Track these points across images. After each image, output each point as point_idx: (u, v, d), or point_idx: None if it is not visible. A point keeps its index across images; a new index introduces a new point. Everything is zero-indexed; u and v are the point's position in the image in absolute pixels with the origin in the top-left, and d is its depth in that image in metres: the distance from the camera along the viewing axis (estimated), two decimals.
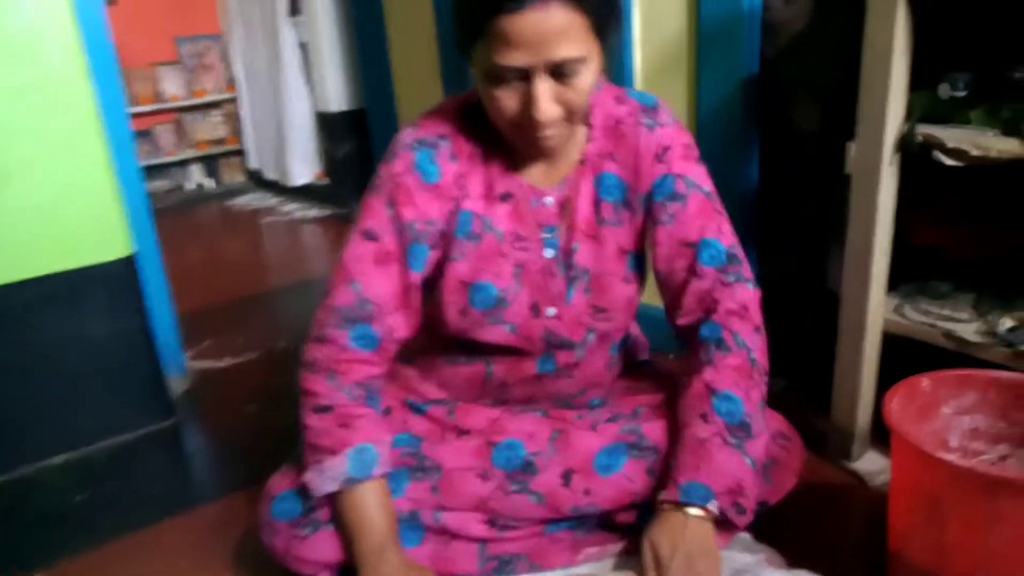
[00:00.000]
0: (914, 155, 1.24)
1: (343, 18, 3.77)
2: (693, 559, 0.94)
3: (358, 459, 1.03)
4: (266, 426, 1.78)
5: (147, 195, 1.92)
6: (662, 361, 1.43)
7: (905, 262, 1.41)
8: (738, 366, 1.06)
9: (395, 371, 1.24)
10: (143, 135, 4.81)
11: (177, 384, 2.00)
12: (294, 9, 3.99)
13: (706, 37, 1.65)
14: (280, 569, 1.11)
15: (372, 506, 1.03)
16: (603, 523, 1.17)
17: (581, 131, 1.11)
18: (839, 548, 1.21)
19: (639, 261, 1.19)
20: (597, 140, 1.11)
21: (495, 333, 1.14)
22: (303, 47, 4.01)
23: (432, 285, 1.15)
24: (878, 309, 1.35)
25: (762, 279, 1.84)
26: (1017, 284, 1.35)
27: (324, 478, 1.04)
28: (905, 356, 1.34)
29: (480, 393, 1.24)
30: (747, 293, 1.11)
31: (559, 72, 0.93)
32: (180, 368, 2.04)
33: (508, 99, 0.96)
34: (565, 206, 1.13)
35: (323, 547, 1.08)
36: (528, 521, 1.15)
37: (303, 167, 4.21)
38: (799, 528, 1.22)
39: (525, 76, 0.93)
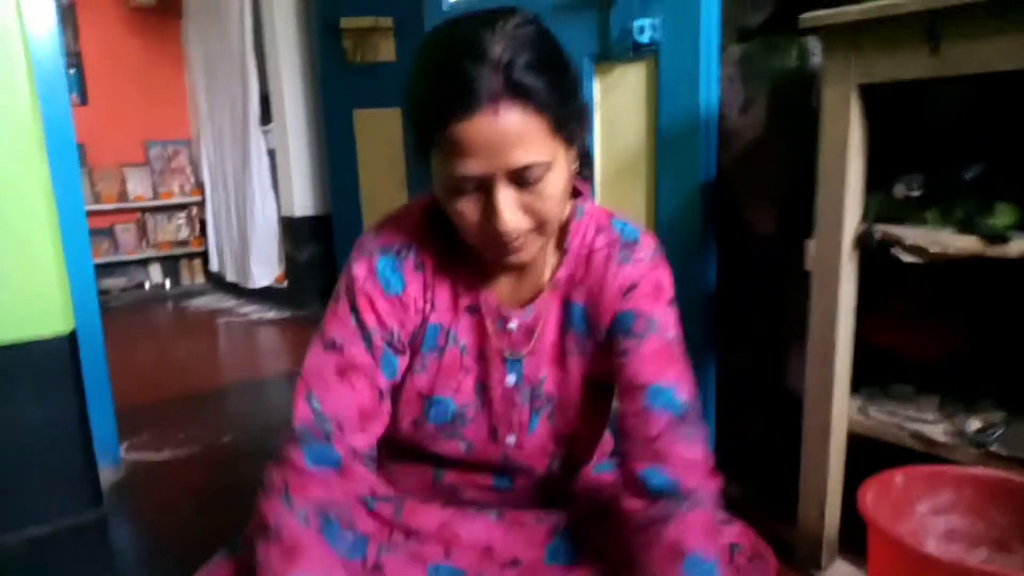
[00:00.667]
0: (872, 252, 1.25)
1: (312, 127, 3.86)
2: None
3: None
4: (200, 525, 1.66)
5: (94, 276, 1.86)
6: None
7: (865, 364, 1.41)
8: (703, 525, 0.93)
9: None
10: (104, 232, 4.76)
11: (109, 475, 1.88)
12: (265, 118, 4.07)
13: (664, 144, 1.70)
14: None
15: None
16: None
17: (554, 252, 1.06)
18: None
19: (606, 386, 1.13)
20: (569, 266, 1.04)
21: (449, 448, 1.07)
22: (271, 154, 4.07)
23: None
24: (842, 408, 1.33)
25: (721, 381, 1.85)
26: (978, 385, 1.35)
27: None
28: (870, 459, 1.31)
29: (429, 494, 1.16)
30: (702, 451, 0.98)
31: (521, 179, 0.86)
32: (114, 458, 1.93)
33: (470, 210, 0.89)
34: (532, 332, 1.06)
35: None
36: None
37: (264, 269, 4.18)
38: None
39: (485, 186, 0.87)
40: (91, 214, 4.68)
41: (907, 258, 1.21)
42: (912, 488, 1.05)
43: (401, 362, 1.03)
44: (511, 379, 1.05)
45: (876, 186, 1.28)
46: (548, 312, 1.05)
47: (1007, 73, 1.06)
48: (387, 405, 1.02)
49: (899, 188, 1.24)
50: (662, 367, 0.98)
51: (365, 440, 0.99)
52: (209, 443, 2.17)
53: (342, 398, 0.97)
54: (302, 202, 3.88)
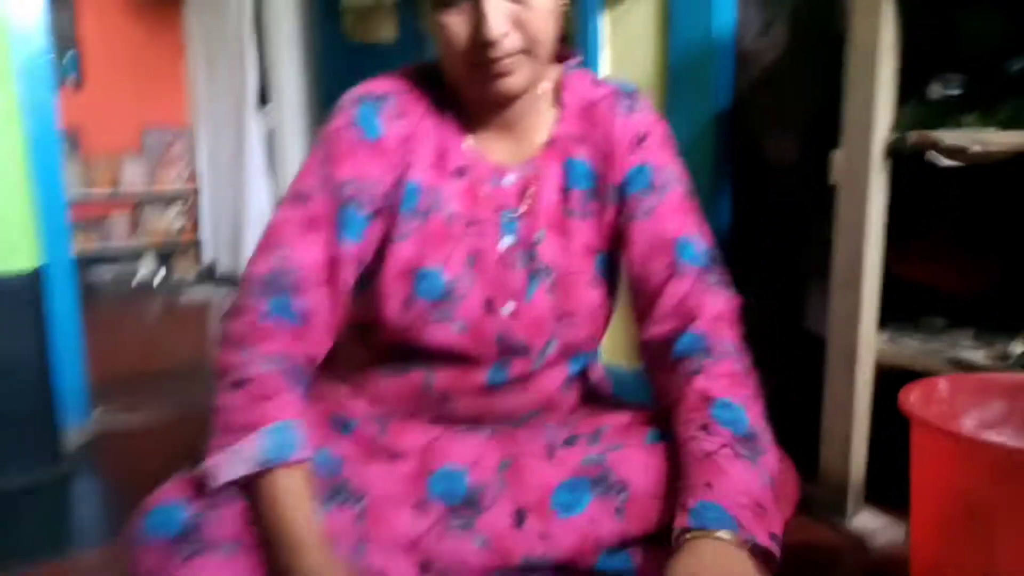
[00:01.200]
0: (905, 160, 1.14)
1: (311, 103, 3.79)
2: None
3: (278, 437, 0.83)
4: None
5: (66, 211, 1.75)
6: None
7: (892, 300, 1.29)
8: (731, 373, 0.91)
9: (320, 388, 1.04)
10: (95, 222, 4.66)
11: (77, 435, 1.75)
12: (263, 99, 4.00)
13: (676, 71, 1.60)
14: None
15: (300, 497, 0.81)
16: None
17: (550, 109, 1.00)
18: None
19: (608, 265, 1.03)
20: (567, 121, 0.99)
21: (441, 333, 0.97)
22: (269, 135, 3.99)
23: (369, 276, 0.98)
24: (870, 337, 1.21)
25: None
26: (1015, 319, 1.23)
27: (232, 462, 0.82)
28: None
29: (417, 407, 1.04)
30: (729, 300, 0.98)
31: None
32: (82, 417, 1.80)
33: (457, 24, 0.85)
34: (528, 189, 0.99)
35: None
36: (469, 572, 0.92)
37: None
38: None
39: None
40: (83, 203, 4.58)
41: (945, 162, 1.10)
42: (959, 398, 0.93)
43: (373, 227, 0.95)
44: (507, 240, 0.97)
45: (909, 95, 1.18)
46: (547, 170, 0.98)
47: None
48: (347, 271, 0.94)
49: (935, 88, 1.14)
50: (685, 219, 0.97)
51: (328, 300, 0.93)
52: (187, 410, 2.05)
53: (304, 251, 0.91)
54: None
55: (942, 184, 1.31)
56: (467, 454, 0.97)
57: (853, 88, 1.16)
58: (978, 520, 0.73)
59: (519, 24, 0.85)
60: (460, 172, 0.97)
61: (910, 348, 1.19)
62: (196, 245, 4.85)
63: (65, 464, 1.63)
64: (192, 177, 4.84)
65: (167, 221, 4.85)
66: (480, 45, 0.85)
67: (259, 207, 4.03)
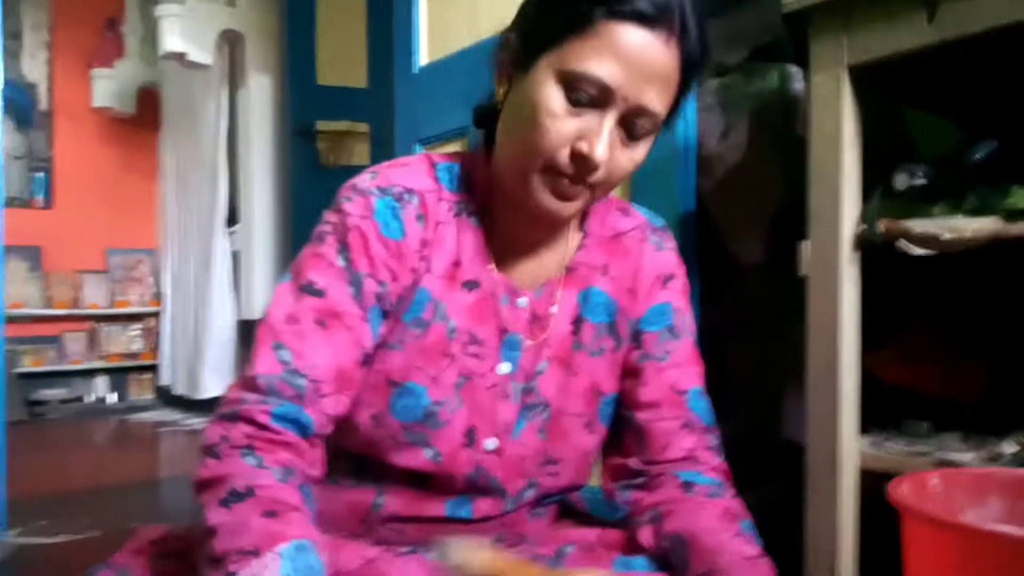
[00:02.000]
0: (878, 254, 1.10)
1: (279, 229, 3.78)
2: None
3: (299, 560, 0.67)
4: None
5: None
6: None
7: (874, 405, 1.22)
8: (745, 511, 0.88)
9: None
10: (51, 340, 4.52)
11: None
12: (232, 220, 3.99)
13: (641, 174, 1.58)
14: None
15: None
16: None
17: (574, 234, 0.93)
18: None
19: (610, 412, 0.95)
20: (590, 249, 0.92)
21: (410, 457, 0.85)
22: (235, 256, 3.96)
23: None
24: (851, 440, 1.13)
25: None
26: (1004, 424, 1.16)
27: None
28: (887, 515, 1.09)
29: (359, 528, 0.91)
30: (724, 465, 0.95)
31: (631, 125, 0.77)
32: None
33: (562, 123, 0.76)
34: (538, 315, 0.90)
35: None
36: None
37: (216, 378, 3.94)
38: None
39: (597, 104, 0.76)
40: (40, 320, 4.45)
41: (916, 251, 1.06)
42: (954, 495, 0.83)
43: (383, 328, 0.84)
44: (505, 367, 0.88)
45: (873, 185, 1.15)
46: (563, 297, 0.90)
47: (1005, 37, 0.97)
48: (362, 375, 0.83)
49: (900, 179, 1.11)
50: (697, 371, 0.95)
51: (341, 409, 0.81)
52: (113, 528, 1.90)
53: (319, 353, 0.78)
54: (263, 304, 3.71)
55: (919, 285, 1.28)
56: None
57: (817, 179, 1.14)
58: None
59: (611, 161, 0.78)
60: (471, 285, 0.88)
61: (895, 451, 1.11)
62: (153, 367, 4.71)
63: None
64: (155, 298, 4.77)
65: (126, 341, 4.72)
66: (576, 158, 0.77)
67: (221, 327, 3.94)
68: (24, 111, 4.43)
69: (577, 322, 0.90)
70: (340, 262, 0.81)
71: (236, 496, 0.70)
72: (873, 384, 1.24)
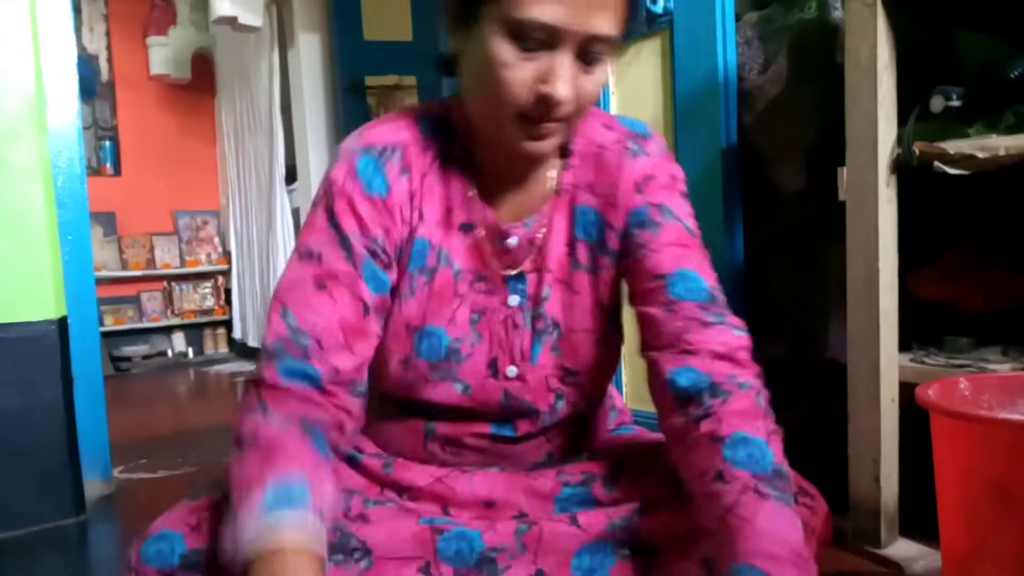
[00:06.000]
0: (916, 175, 1.14)
1: None
2: None
3: (280, 491, 0.73)
4: None
5: (91, 261, 1.80)
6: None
7: (914, 322, 1.26)
8: (743, 410, 0.81)
9: None
10: (130, 300, 4.77)
11: (98, 488, 1.75)
12: (290, 177, 4.12)
13: (683, 111, 1.63)
14: None
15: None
16: None
17: (556, 158, 0.95)
18: None
19: (617, 317, 1.00)
20: (575, 168, 0.94)
21: (443, 392, 0.93)
22: (295, 213, 4.09)
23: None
24: (891, 356, 1.18)
25: (753, 357, 1.67)
26: None
27: (236, 528, 0.74)
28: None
29: (424, 455, 1.01)
30: (735, 338, 0.88)
31: (586, 54, 0.78)
32: (104, 470, 1.81)
33: (523, 70, 0.77)
34: (534, 244, 0.94)
35: None
36: None
37: None
38: None
39: (548, 45, 0.77)
40: (118, 281, 4.71)
41: (952, 171, 1.09)
42: (981, 396, 0.89)
43: (390, 277, 0.91)
44: (514, 299, 0.93)
45: (910, 109, 1.18)
46: (553, 221, 0.94)
47: None
48: (374, 323, 0.89)
49: (936, 101, 1.14)
50: (682, 255, 0.89)
51: (351, 360, 0.87)
52: (208, 464, 2.06)
53: (321, 311, 0.85)
54: None
55: (956, 202, 1.30)
56: (474, 498, 0.93)
57: (853, 104, 1.17)
58: (1008, 504, 0.70)
59: (578, 90, 0.80)
60: (467, 227, 0.93)
61: (935, 366, 1.16)
62: (226, 322, 4.93)
63: (86, 513, 1.63)
64: (223, 256, 4.97)
65: (198, 299, 4.95)
66: (540, 101, 0.79)
67: None
68: (88, 82, 4.60)
69: (571, 243, 0.93)
70: (330, 226, 0.87)
71: (242, 447, 0.78)
72: (914, 305, 1.29)
